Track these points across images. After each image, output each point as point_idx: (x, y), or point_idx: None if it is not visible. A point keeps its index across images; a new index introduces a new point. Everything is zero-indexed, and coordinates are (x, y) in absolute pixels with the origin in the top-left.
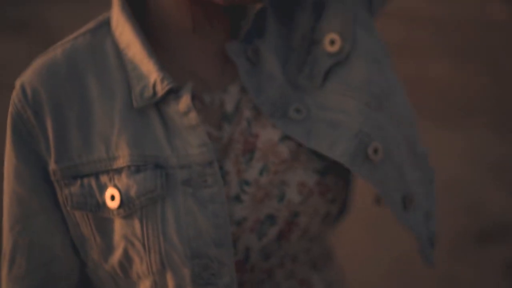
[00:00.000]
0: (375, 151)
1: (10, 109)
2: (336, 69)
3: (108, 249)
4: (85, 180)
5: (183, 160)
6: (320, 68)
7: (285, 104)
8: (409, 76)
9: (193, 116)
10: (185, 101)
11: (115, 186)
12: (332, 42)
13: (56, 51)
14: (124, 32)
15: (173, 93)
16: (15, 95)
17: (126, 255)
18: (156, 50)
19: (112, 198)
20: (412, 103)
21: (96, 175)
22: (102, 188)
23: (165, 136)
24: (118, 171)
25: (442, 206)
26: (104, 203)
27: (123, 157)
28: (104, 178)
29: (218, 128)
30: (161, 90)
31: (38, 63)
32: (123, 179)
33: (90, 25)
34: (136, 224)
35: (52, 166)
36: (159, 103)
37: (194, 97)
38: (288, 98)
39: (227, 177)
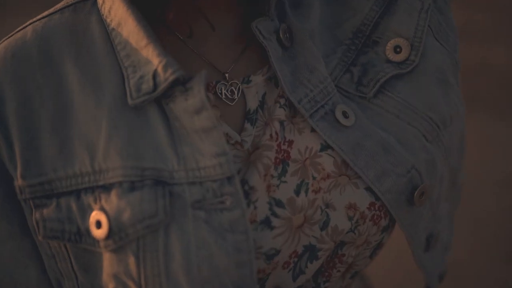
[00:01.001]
0: (421, 194)
1: None
2: (394, 82)
3: None
4: (63, 201)
5: (194, 174)
6: (377, 76)
7: (330, 103)
8: (466, 63)
9: (207, 115)
10: (197, 94)
11: (102, 209)
12: (397, 49)
13: (25, 32)
14: (114, 6)
15: (180, 85)
16: None
17: None
18: (157, 33)
19: (98, 224)
20: (467, 93)
21: (77, 194)
22: (85, 211)
23: (169, 142)
24: (106, 188)
25: (495, 206)
26: (87, 231)
27: (113, 170)
28: (87, 198)
29: (238, 131)
30: (164, 80)
31: (2, 46)
32: (113, 200)
33: None
34: (130, 260)
35: (18, 181)
36: (162, 99)
37: (207, 90)
38: (333, 96)
39: (253, 195)
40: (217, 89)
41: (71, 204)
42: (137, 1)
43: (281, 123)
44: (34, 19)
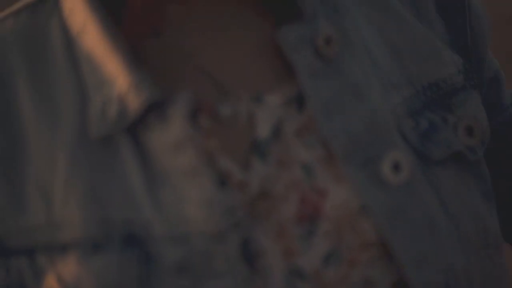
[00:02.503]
0: None
1: None
2: (460, 159)
3: None
4: (13, 261)
5: (176, 227)
6: (444, 142)
7: (376, 147)
8: None
9: (190, 153)
10: (177, 125)
11: (58, 276)
12: (470, 131)
13: None
14: (76, 7)
15: (157, 108)
16: None
17: None
18: (141, 36)
19: None
20: None
21: (30, 254)
22: (39, 276)
23: (144, 184)
24: (63, 249)
25: None
26: None
27: (71, 224)
28: (42, 260)
29: (243, 166)
30: (136, 105)
31: None
32: (71, 265)
33: None
34: None
35: None
36: (136, 126)
37: (200, 111)
38: (384, 137)
39: (261, 260)
40: (215, 108)
41: (23, 266)
42: None
43: (305, 167)
44: None
